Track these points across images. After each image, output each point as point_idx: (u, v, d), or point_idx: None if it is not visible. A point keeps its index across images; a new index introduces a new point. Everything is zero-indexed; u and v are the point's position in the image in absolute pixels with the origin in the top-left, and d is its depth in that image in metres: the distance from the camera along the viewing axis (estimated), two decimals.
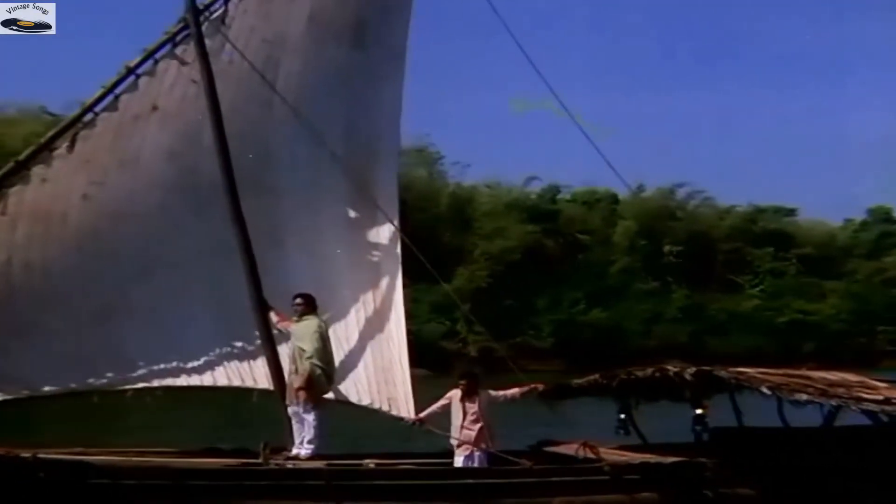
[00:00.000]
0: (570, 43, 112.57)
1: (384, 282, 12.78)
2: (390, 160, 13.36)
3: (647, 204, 63.97)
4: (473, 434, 11.27)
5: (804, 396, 11.03)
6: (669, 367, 11.47)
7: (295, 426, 11.48)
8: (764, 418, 12.86)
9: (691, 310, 58.82)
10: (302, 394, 11.38)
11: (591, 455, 11.33)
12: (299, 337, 11.56)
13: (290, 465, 10.88)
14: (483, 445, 11.26)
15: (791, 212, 70.67)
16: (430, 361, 29.87)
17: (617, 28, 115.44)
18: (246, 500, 9.80)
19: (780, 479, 10.93)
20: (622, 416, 13.12)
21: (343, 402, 12.24)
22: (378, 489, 10.15)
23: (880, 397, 11.08)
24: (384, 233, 12.87)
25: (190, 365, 12.28)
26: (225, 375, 12.33)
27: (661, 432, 13.05)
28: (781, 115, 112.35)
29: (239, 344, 12.33)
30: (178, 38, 12.29)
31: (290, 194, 12.75)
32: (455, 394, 11.49)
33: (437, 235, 51.22)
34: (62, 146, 11.90)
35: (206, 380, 12.34)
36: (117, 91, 12.08)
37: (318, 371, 11.46)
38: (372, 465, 11.02)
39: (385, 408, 12.23)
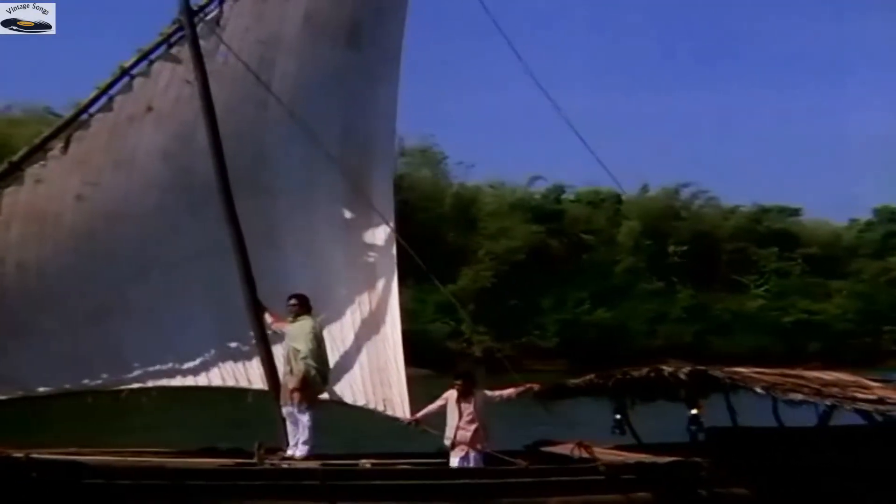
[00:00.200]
0: (569, 43, 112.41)
1: (380, 282, 12.78)
2: (386, 161, 13.38)
3: (652, 204, 63.80)
4: (469, 434, 11.24)
5: (798, 396, 11.06)
6: (664, 367, 11.47)
7: (289, 427, 11.49)
8: (759, 418, 12.87)
9: (696, 310, 58.58)
10: (296, 395, 11.39)
11: (586, 455, 11.34)
12: (294, 337, 11.57)
13: (285, 465, 10.89)
14: (479, 446, 11.24)
15: (795, 212, 70.47)
16: (435, 361, 29.85)
17: (617, 28, 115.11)
18: (241, 500, 9.84)
19: (775, 479, 10.95)
20: (618, 416, 13.13)
21: (338, 403, 12.26)
22: (373, 489, 10.18)
23: (874, 397, 11.10)
24: (380, 233, 12.88)
25: (185, 365, 12.32)
26: (220, 376, 12.37)
27: (656, 432, 13.07)
28: (782, 115, 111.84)
29: (234, 344, 12.35)
30: (173, 39, 12.31)
31: (285, 195, 12.76)
32: (451, 394, 11.47)
33: (442, 235, 51.23)
34: (56, 147, 11.93)
35: (201, 380, 12.38)
36: (112, 92, 12.12)
37: (313, 372, 11.47)
38: (367, 466, 11.03)
39: (380, 408, 12.25)
